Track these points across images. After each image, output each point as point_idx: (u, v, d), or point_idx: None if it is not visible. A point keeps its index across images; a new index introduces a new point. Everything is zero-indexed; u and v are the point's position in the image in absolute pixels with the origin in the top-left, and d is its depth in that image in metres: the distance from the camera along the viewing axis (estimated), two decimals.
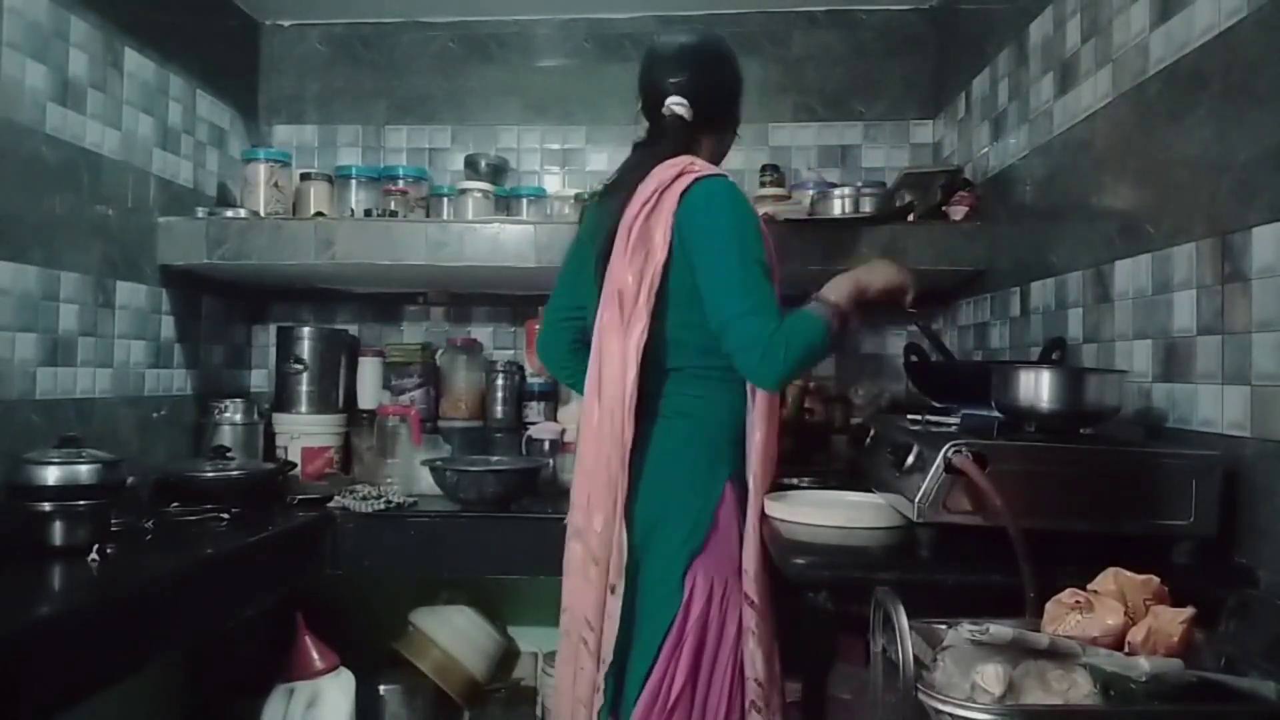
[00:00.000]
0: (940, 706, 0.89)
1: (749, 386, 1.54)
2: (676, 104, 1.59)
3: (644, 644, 1.50)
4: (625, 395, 1.48)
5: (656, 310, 1.49)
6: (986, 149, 2.31)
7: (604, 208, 1.61)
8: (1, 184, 1.82)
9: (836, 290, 1.54)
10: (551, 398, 2.67)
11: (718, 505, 1.54)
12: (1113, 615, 1.00)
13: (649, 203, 1.50)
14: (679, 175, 1.52)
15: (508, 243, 2.29)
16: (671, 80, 1.60)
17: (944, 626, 1.02)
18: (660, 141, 1.59)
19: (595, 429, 1.51)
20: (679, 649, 1.48)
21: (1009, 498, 1.18)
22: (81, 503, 1.64)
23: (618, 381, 1.49)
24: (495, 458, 2.45)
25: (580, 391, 1.66)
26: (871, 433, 1.79)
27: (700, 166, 1.55)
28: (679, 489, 1.54)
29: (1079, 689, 0.93)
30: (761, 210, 2.42)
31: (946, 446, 1.27)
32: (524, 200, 2.66)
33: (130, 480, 1.81)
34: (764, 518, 1.58)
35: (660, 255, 1.49)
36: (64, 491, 1.62)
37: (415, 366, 2.70)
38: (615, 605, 1.47)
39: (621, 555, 1.48)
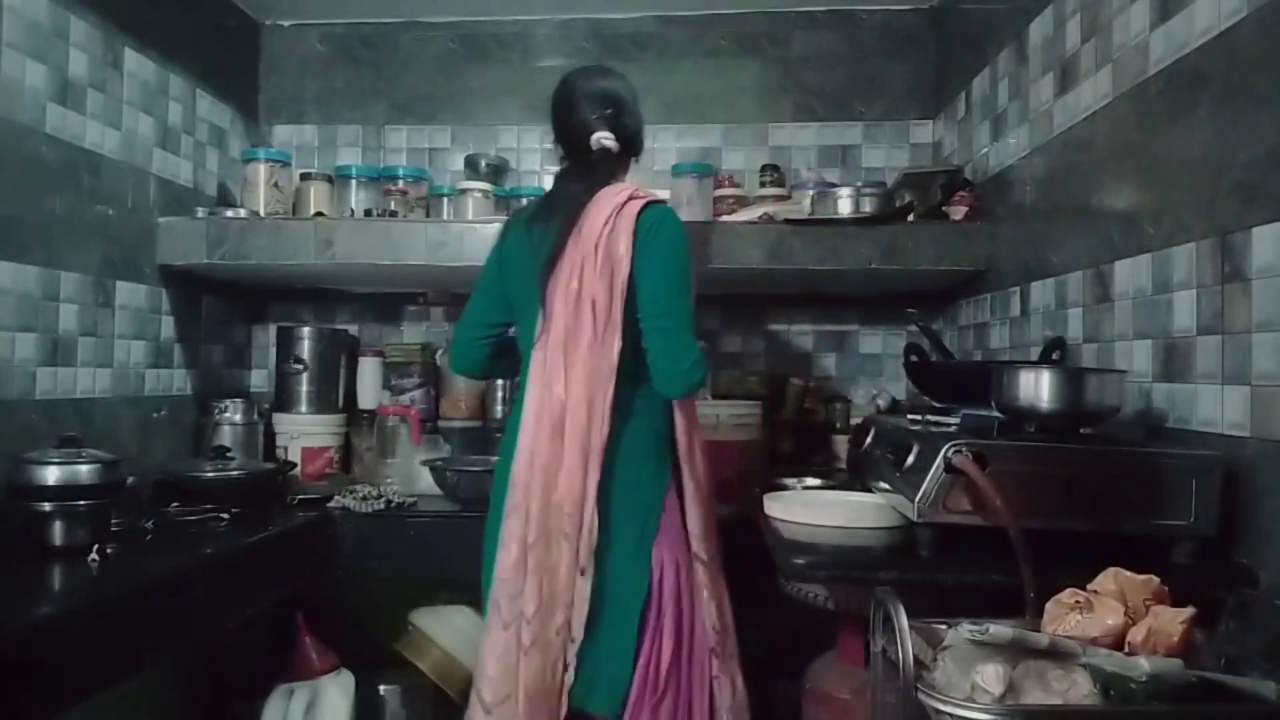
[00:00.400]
0: (940, 706, 0.89)
1: None
2: (605, 138, 1.75)
3: (618, 621, 1.60)
4: (606, 397, 1.61)
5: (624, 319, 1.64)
6: (986, 149, 2.31)
7: (545, 229, 1.72)
8: (1, 184, 1.82)
9: None
10: None
11: (666, 494, 1.69)
12: (1113, 615, 1.00)
13: (609, 223, 1.64)
14: (630, 199, 1.67)
15: None
16: (595, 118, 1.77)
17: (944, 626, 1.02)
18: (593, 171, 1.74)
19: (570, 428, 1.62)
20: (660, 627, 1.61)
21: (1009, 498, 1.18)
22: (81, 503, 1.63)
23: (596, 384, 1.61)
24: (495, 458, 2.44)
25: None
26: (871, 433, 1.79)
27: (643, 192, 1.72)
28: (639, 480, 1.67)
29: (1079, 689, 0.93)
30: (761, 210, 2.43)
31: (946, 446, 1.27)
32: (524, 200, 2.65)
33: (130, 480, 1.81)
34: (764, 517, 1.60)
35: (625, 269, 1.63)
36: (64, 491, 1.62)
37: (415, 366, 2.70)
38: (585, 587, 1.58)
39: (591, 540, 1.58)
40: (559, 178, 1.82)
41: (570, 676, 1.57)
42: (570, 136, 1.80)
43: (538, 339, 1.67)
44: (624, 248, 1.63)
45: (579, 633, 1.57)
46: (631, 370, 1.64)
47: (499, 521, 1.66)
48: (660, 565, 1.63)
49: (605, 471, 1.60)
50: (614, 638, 1.60)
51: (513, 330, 1.83)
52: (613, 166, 1.77)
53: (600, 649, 1.60)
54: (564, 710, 1.57)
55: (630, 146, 1.82)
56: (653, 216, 1.67)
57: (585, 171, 1.75)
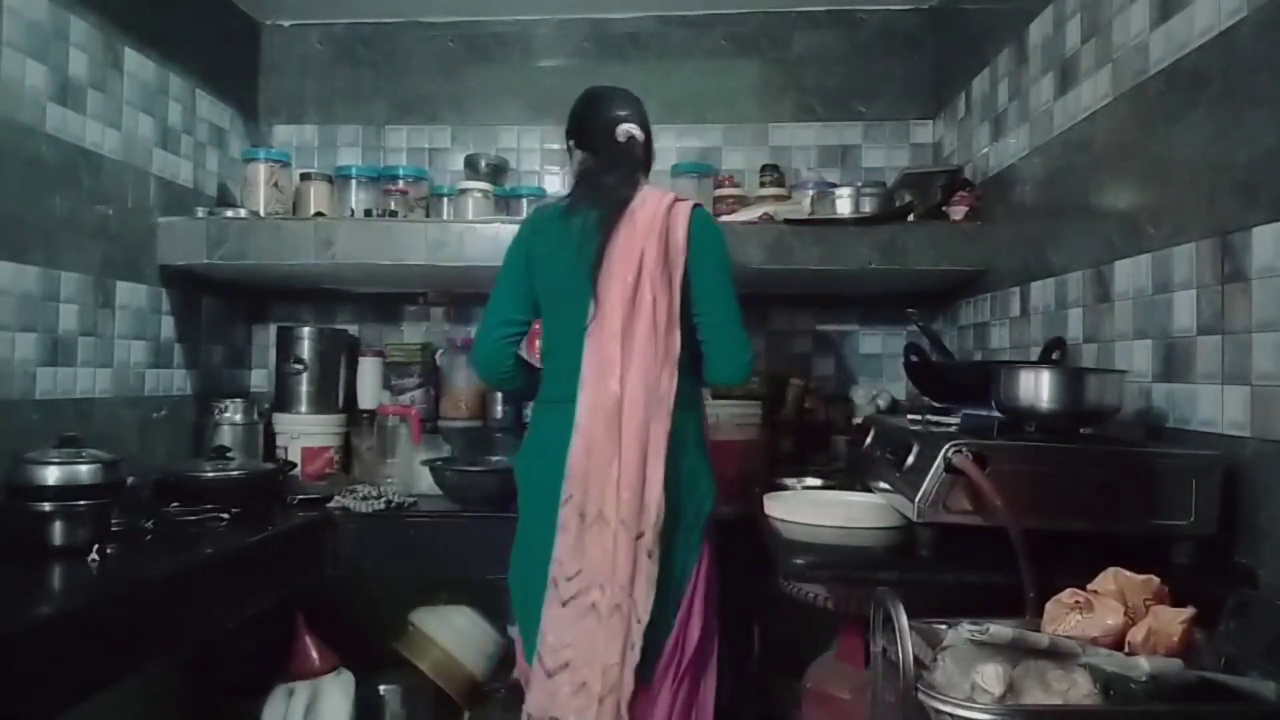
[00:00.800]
0: (940, 706, 0.89)
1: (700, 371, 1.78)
2: (633, 129, 1.82)
3: (670, 600, 1.66)
4: (671, 388, 1.67)
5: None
6: (986, 149, 2.31)
7: (586, 221, 1.74)
8: (1, 184, 1.82)
9: None
10: None
11: (713, 479, 1.75)
12: (1113, 615, 1.00)
13: (664, 223, 1.70)
14: (676, 200, 1.74)
15: (507, 242, 2.28)
16: (620, 113, 1.84)
17: (944, 626, 1.02)
18: (622, 161, 1.80)
19: (628, 419, 1.65)
20: (693, 600, 1.67)
21: (1009, 498, 1.18)
22: (81, 503, 1.63)
23: (655, 376, 1.66)
24: (495, 458, 2.45)
25: (517, 393, 2.01)
26: (871, 433, 1.79)
27: (686, 197, 1.79)
28: (696, 469, 1.71)
29: (1079, 689, 0.93)
30: (761, 210, 2.43)
31: (946, 446, 1.27)
32: (524, 200, 2.66)
33: (130, 480, 1.81)
34: (764, 517, 1.60)
35: (682, 263, 1.70)
36: (64, 491, 1.62)
37: (415, 366, 2.70)
38: (654, 569, 1.62)
39: (658, 524, 1.62)
40: (586, 173, 1.85)
41: (637, 655, 1.61)
42: (597, 132, 1.84)
43: (589, 331, 1.69)
44: (683, 244, 1.70)
45: (645, 614, 1.61)
46: (684, 362, 1.70)
47: (540, 510, 1.69)
48: (707, 545, 1.71)
49: (668, 460, 1.65)
50: (664, 614, 1.65)
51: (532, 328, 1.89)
52: (637, 159, 1.82)
53: (658, 631, 1.65)
54: (631, 686, 1.60)
55: (649, 146, 1.87)
56: (703, 216, 1.77)
57: (613, 162, 1.79)
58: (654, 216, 1.70)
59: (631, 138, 1.81)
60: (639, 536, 1.61)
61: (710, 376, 1.77)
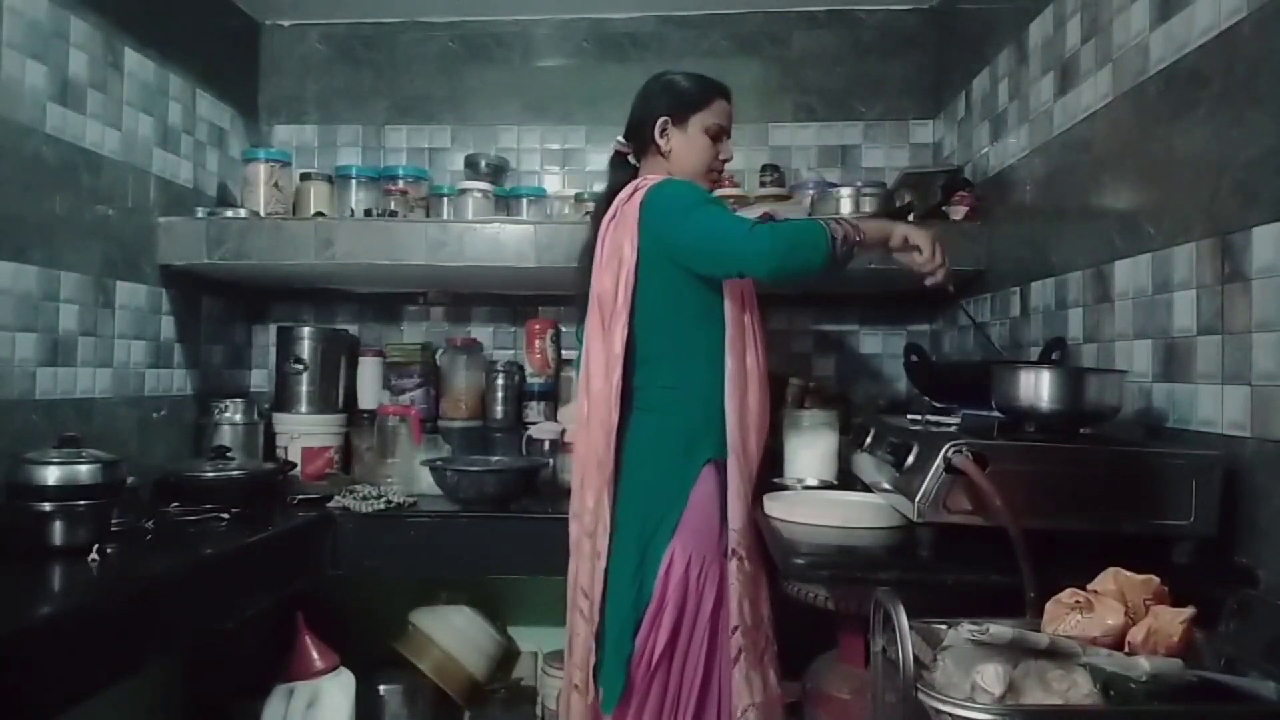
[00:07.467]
0: (940, 706, 0.89)
1: (725, 366, 1.68)
2: (615, 140, 1.92)
3: (624, 610, 1.65)
4: (612, 388, 1.66)
5: (631, 310, 1.68)
6: (986, 149, 2.31)
7: (591, 232, 1.86)
8: (1, 184, 1.82)
9: (863, 221, 1.70)
10: (551, 398, 2.67)
11: (692, 488, 1.68)
12: (1113, 615, 1.00)
13: (614, 217, 1.75)
14: (634, 191, 1.74)
15: (508, 243, 2.29)
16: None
17: (944, 626, 1.02)
18: (611, 176, 1.91)
19: (585, 420, 1.73)
20: (660, 616, 1.63)
21: (1009, 498, 1.18)
22: (81, 503, 1.63)
23: (603, 376, 1.68)
24: (495, 458, 2.45)
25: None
26: (871, 433, 1.79)
27: (650, 179, 1.77)
28: (656, 474, 1.69)
29: (1079, 689, 0.93)
30: (761, 210, 2.43)
31: (946, 446, 1.27)
32: (524, 200, 2.66)
33: (130, 480, 1.81)
34: (764, 517, 1.60)
35: (630, 261, 1.68)
36: (64, 491, 1.62)
37: (415, 366, 2.70)
38: (599, 569, 1.66)
39: (608, 528, 1.66)
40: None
41: (594, 657, 1.66)
42: None
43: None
44: (629, 242, 1.68)
45: (596, 615, 1.66)
46: (645, 360, 1.70)
47: None
48: (670, 562, 1.64)
49: (619, 463, 1.67)
50: (617, 628, 1.65)
51: None
52: (622, 168, 1.89)
53: (606, 639, 1.67)
54: (593, 688, 1.66)
55: (635, 145, 1.89)
56: (649, 197, 1.71)
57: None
58: (607, 218, 1.76)
59: (614, 151, 1.91)
60: (592, 539, 1.68)
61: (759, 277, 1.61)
